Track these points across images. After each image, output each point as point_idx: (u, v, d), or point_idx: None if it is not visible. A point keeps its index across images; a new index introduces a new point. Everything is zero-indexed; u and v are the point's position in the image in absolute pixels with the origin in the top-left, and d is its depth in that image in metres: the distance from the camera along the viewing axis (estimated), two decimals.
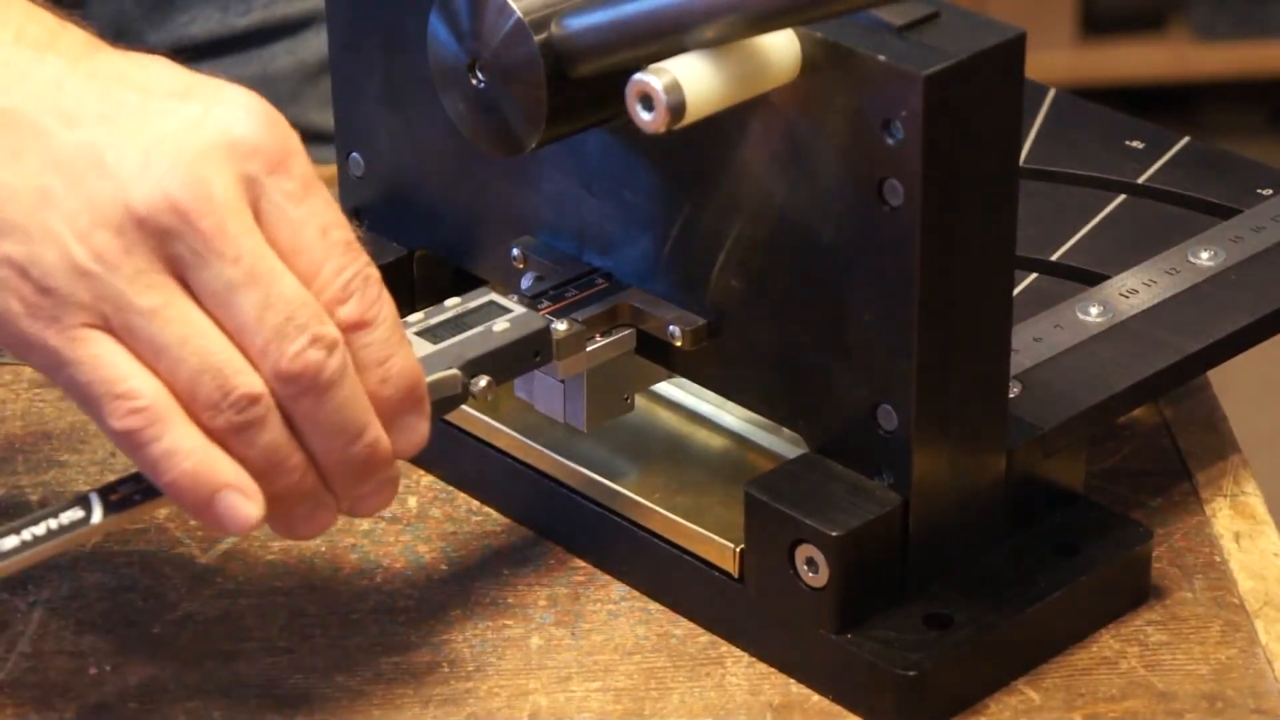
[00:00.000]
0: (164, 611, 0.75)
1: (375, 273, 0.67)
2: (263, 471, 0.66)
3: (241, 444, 0.65)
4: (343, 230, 0.67)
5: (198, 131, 0.65)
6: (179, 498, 0.65)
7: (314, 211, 0.66)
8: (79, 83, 0.66)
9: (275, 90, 1.03)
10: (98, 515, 0.66)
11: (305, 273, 0.66)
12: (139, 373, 0.65)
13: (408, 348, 0.67)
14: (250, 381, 0.65)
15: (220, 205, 0.65)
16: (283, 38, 1.04)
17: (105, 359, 0.65)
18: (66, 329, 0.65)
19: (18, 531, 0.66)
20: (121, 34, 1.02)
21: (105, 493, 0.67)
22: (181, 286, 0.65)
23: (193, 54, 0.93)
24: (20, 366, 0.86)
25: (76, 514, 0.66)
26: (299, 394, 0.65)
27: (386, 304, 0.67)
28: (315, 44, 1.05)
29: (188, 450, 0.65)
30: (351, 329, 0.66)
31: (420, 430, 0.68)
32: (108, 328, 0.65)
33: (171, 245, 0.65)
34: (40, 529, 0.66)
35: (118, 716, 0.71)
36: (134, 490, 0.67)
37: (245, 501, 0.65)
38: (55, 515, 0.66)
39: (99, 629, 0.74)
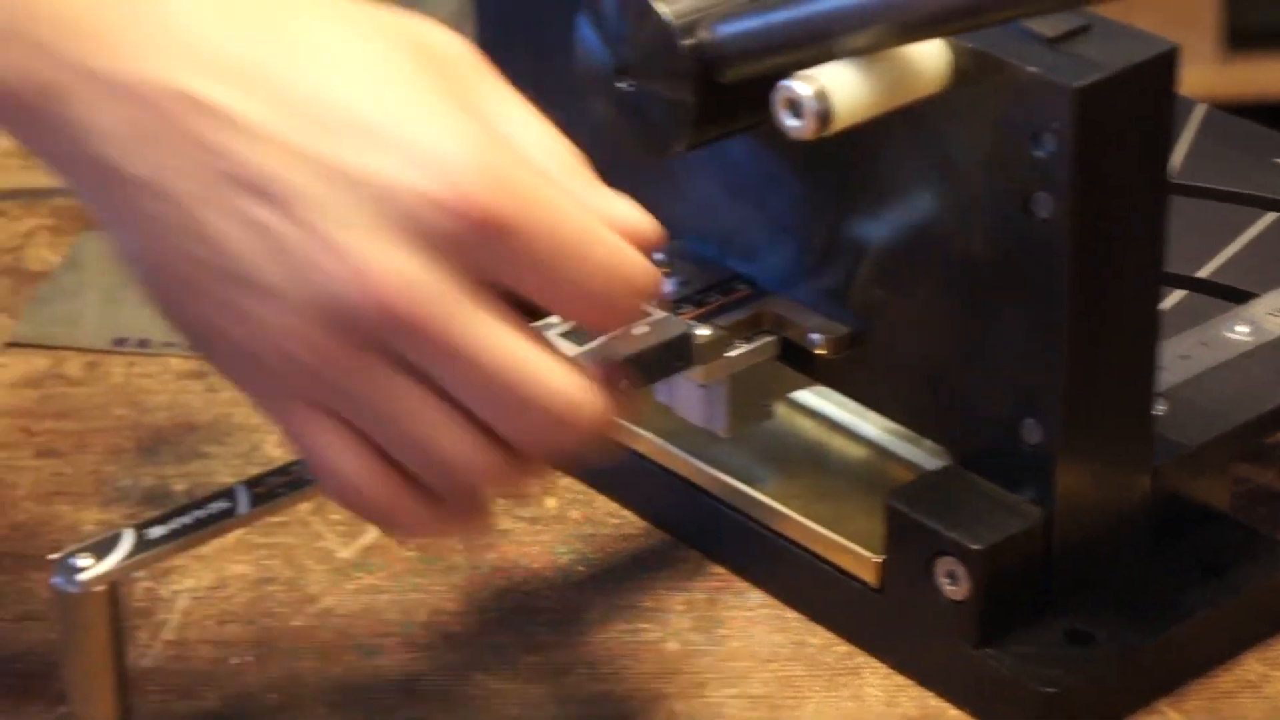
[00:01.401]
0: (305, 604, 0.76)
1: None
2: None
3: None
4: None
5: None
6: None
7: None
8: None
9: None
10: (244, 507, 0.67)
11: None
12: (351, 460, 0.62)
13: None
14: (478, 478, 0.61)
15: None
16: None
17: (317, 440, 0.62)
18: (277, 400, 0.62)
19: (165, 522, 0.67)
20: None
21: (251, 485, 0.68)
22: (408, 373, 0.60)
23: None
24: (167, 357, 0.87)
25: (223, 505, 0.67)
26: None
27: None
28: None
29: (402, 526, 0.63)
30: None
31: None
32: (324, 409, 0.61)
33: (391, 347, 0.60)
34: (188, 519, 0.67)
35: (259, 706, 0.72)
36: (279, 483, 0.68)
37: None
38: (202, 506, 0.67)
39: (241, 620, 0.75)
